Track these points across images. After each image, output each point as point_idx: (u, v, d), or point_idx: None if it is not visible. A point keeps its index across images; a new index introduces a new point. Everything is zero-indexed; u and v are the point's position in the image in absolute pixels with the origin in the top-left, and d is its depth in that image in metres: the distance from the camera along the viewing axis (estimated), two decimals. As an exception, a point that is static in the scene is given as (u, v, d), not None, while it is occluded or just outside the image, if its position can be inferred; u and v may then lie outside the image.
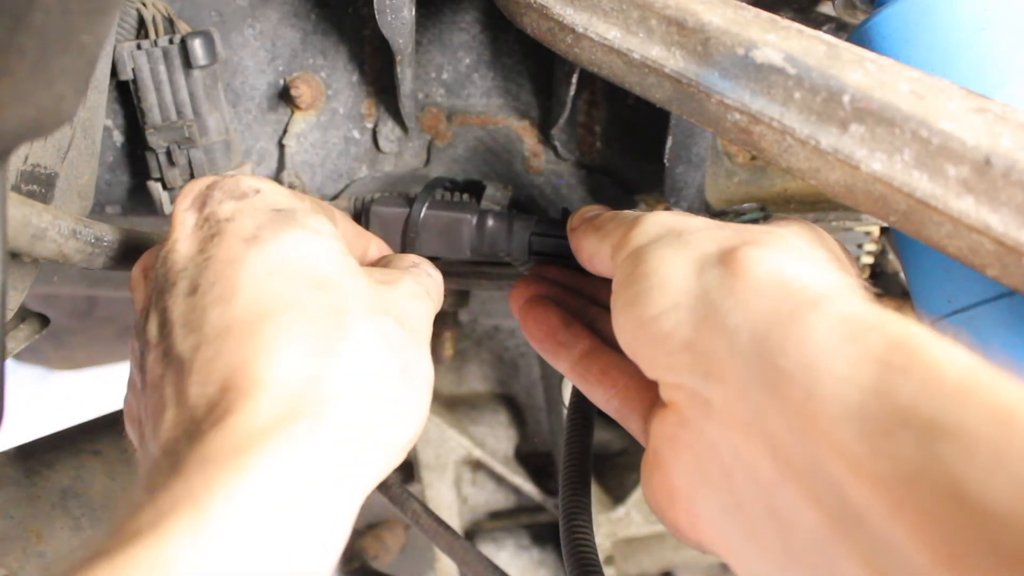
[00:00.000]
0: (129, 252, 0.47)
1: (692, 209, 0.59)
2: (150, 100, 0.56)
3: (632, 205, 0.65)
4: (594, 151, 0.65)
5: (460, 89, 0.64)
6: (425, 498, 0.94)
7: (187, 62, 0.56)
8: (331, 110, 0.63)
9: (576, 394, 0.51)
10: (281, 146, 0.63)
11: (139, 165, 0.62)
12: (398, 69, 0.56)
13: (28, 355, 1.74)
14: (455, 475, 0.97)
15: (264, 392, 0.30)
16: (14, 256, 0.45)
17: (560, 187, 0.65)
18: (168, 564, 0.25)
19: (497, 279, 0.64)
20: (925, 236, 0.35)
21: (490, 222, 0.55)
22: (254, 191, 0.38)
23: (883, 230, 0.64)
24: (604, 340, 0.47)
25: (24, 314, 0.54)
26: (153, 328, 0.35)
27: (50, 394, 1.86)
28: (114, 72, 0.56)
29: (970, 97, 0.34)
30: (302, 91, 0.61)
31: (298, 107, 0.62)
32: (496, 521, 1.00)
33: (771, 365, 0.30)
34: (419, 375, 0.37)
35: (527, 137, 0.65)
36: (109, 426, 0.62)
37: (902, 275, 0.69)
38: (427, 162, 0.65)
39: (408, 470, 0.97)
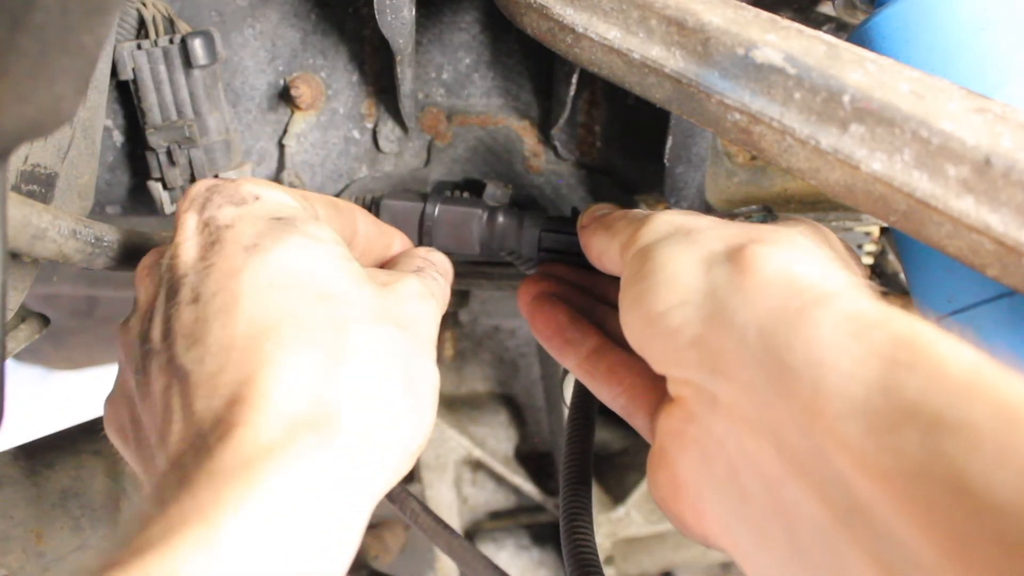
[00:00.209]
0: (129, 252, 0.47)
1: (692, 209, 0.58)
2: (150, 100, 0.56)
3: (632, 205, 0.65)
4: (594, 151, 0.65)
5: (460, 89, 0.64)
6: (425, 498, 0.94)
7: (187, 62, 0.56)
8: (331, 110, 0.63)
9: (578, 393, 0.51)
10: (281, 146, 0.63)
11: (139, 165, 0.62)
12: (398, 69, 0.56)
13: (28, 355, 1.74)
14: (455, 475, 0.97)
15: (269, 408, 0.30)
16: (14, 256, 0.45)
17: (560, 187, 0.65)
18: (180, 566, 0.25)
19: (497, 279, 0.64)
20: (925, 236, 0.35)
21: (500, 218, 0.55)
22: (253, 197, 0.38)
23: (883, 230, 0.64)
24: (611, 338, 0.47)
25: (24, 314, 0.54)
26: (157, 333, 0.35)
27: (50, 394, 1.86)
28: (114, 72, 0.56)
29: (970, 97, 0.34)
30: (302, 91, 0.61)
31: (298, 107, 0.62)
32: (496, 521, 1.00)
33: (778, 361, 0.30)
34: (424, 382, 0.37)
35: (527, 137, 0.65)
36: (109, 426, 0.62)
37: (902, 275, 0.69)
38: (427, 162, 0.65)
39: (400, 486, 0.97)
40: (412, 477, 0.96)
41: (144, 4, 0.56)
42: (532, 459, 0.99)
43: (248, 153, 0.63)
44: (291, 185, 0.63)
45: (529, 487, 0.96)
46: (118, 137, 0.61)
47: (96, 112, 0.54)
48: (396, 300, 0.38)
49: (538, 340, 0.50)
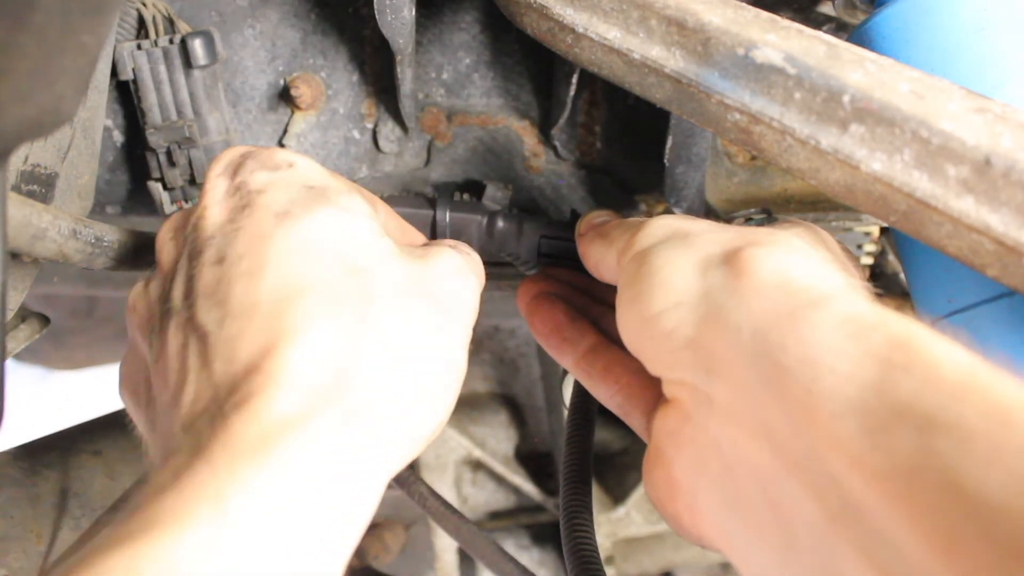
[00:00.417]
0: (129, 252, 0.47)
1: (692, 209, 0.59)
2: (150, 100, 0.56)
3: (632, 205, 0.65)
4: (594, 151, 0.65)
5: (460, 89, 0.64)
6: (425, 498, 0.94)
7: (187, 62, 0.56)
8: (331, 110, 0.63)
9: (577, 394, 0.51)
10: (281, 146, 0.63)
11: (139, 165, 0.62)
12: (398, 69, 0.56)
13: (28, 355, 1.74)
14: (455, 475, 0.97)
15: (289, 380, 0.30)
16: (14, 256, 0.45)
17: (560, 187, 0.65)
18: (190, 550, 0.25)
19: (497, 279, 0.64)
20: (925, 236, 0.35)
21: (500, 223, 0.55)
22: (287, 164, 0.38)
23: (883, 230, 0.64)
24: (609, 338, 0.47)
25: (24, 314, 0.54)
26: (178, 294, 0.35)
27: (50, 394, 1.86)
28: (114, 72, 0.56)
29: (970, 97, 0.34)
30: (302, 91, 0.61)
31: (298, 107, 0.62)
32: (496, 521, 1.00)
33: (773, 362, 0.30)
34: (449, 362, 0.36)
35: (527, 137, 0.65)
36: (109, 426, 0.62)
37: (902, 275, 0.69)
38: (427, 162, 0.65)
39: (408, 470, 0.97)
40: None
41: (144, 4, 0.56)
42: (532, 459, 0.99)
43: (248, 153, 0.63)
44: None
45: (529, 487, 0.96)
46: (118, 137, 0.61)
47: (96, 112, 0.54)
48: (431, 276, 0.37)
49: (536, 338, 0.50)
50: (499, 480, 0.98)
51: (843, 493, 0.28)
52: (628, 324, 0.38)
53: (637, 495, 0.92)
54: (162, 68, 0.56)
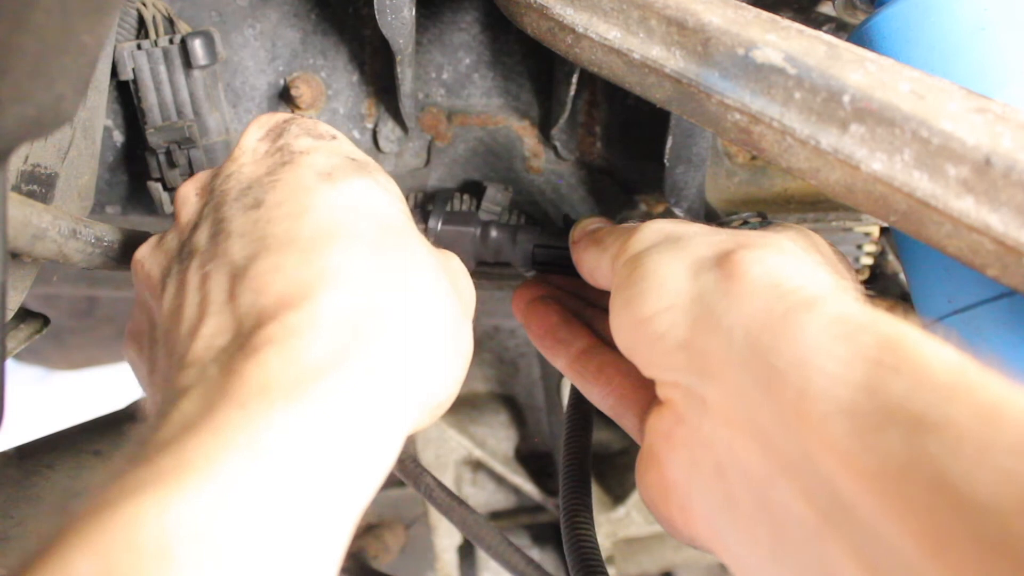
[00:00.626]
0: (129, 252, 0.47)
1: (693, 209, 0.59)
2: (150, 100, 0.56)
3: (632, 205, 0.65)
4: (594, 151, 0.65)
5: (460, 89, 0.64)
6: (425, 498, 0.94)
7: (187, 62, 0.56)
8: (331, 110, 0.63)
9: (575, 393, 0.51)
10: (281, 146, 0.63)
11: (139, 165, 0.62)
12: (398, 69, 0.56)
13: (28, 355, 1.74)
14: (455, 475, 0.97)
15: (327, 322, 0.29)
16: (14, 256, 0.45)
17: (560, 187, 0.65)
18: (222, 495, 0.24)
19: (497, 279, 0.64)
20: (925, 236, 0.35)
21: (493, 233, 0.55)
22: (331, 136, 0.39)
23: (883, 231, 0.64)
24: (603, 340, 0.48)
25: (24, 314, 0.54)
26: (203, 237, 0.34)
27: (50, 394, 1.86)
28: (114, 72, 0.56)
29: (970, 97, 0.34)
30: (302, 91, 0.61)
31: (298, 107, 0.62)
32: (496, 521, 1.00)
33: (765, 364, 0.30)
34: (464, 343, 0.37)
35: (527, 137, 0.65)
36: (109, 426, 0.62)
37: (902, 276, 0.69)
38: (427, 162, 0.65)
39: (414, 463, 0.97)
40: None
41: (144, 4, 0.56)
42: (532, 459, 0.99)
43: (248, 153, 0.63)
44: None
45: (529, 487, 0.96)
46: (118, 137, 0.61)
47: (96, 112, 0.54)
48: (450, 266, 0.39)
49: (531, 339, 0.50)
50: (499, 480, 0.98)
51: (834, 493, 0.28)
52: (621, 327, 0.38)
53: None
54: (162, 68, 0.56)
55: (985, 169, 0.32)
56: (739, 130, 0.39)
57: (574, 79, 0.56)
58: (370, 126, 0.64)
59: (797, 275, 0.33)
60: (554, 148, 0.64)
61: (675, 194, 0.58)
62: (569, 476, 0.48)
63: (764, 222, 0.47)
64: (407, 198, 0.62)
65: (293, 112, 0.62)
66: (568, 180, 0.65)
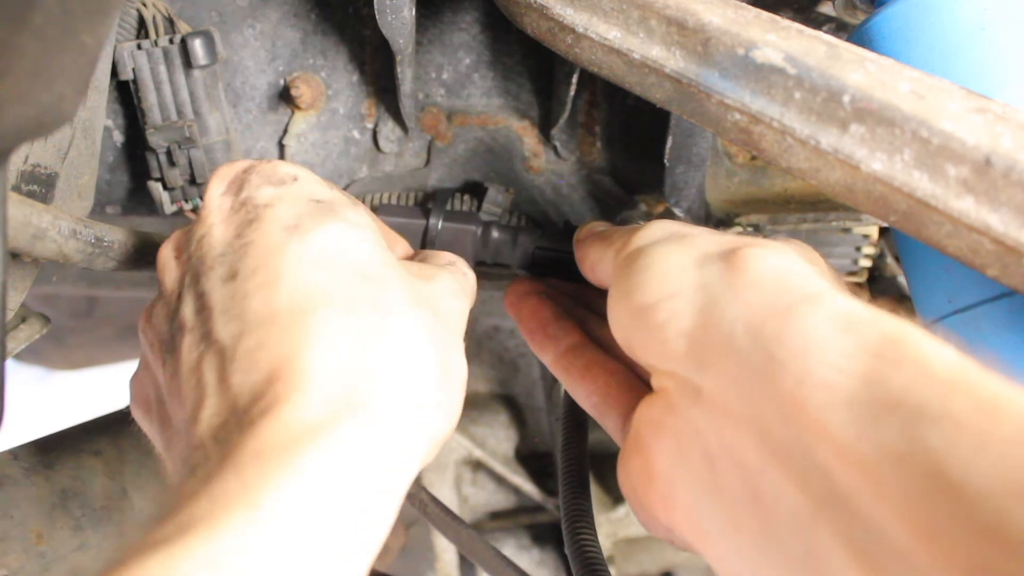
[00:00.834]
0: (129, 252, 0.47)
1: (693, 209, 0.59)
2: (150, 100, 0.56)
3: (632, 205, 0.65)
4: (594, 151, 0.65)
5: (460, 89, 0.64)
6: (425, 498, 0.94)
7: (187, 62, 0.56)
8: (331, 110, 0.63)
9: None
10: (281, 146, 0.63)
11: (139, 165, 0.62)
12: (398, 69, 0.56)
13: (28, 355, 1.74)
14: (455, 475, 0.97)
15: (313, 386, 0.30)
16: (14, 256, 0.45)
17: (560, 187, 0.65)
18: (224, 553, 0.25)
19: (497, 279, 0.64)
20: (925, 236, 0.35)
21: (494, 233, 0.55)
22: (292, 178, 0.38)
23: (882, 233, 0.64)
24: (592, 340, 0.48)
25: (24, 314, 0.54)
26: (188, 311, 0.35)
27: (50, 394, 1.86)
28: (114, 72, 0.56)
29: (970, 97, 0.34)
30: (302, 91, 0.61)
31: (298, 107, 0.62)
32: (496, 521, 1.00)
33: (765, 354, 0.31)
34: (456, 372, 0.37)
35: (527, 137, 0.65)
36: (109, 426, 0.62)
37: (900, 278, 0.69)
38: (427, 162, 0.65)
39: None
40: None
41: (144, 4, 0.56)
42: (532, 459, 0.99)
43: (248, 153, 0.63)
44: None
45: (529, 487, 0.96)
46: (118, 137, 0.61)
47: (96, 112, 0.54)
48: (431, 290, 0.38)
49: (522, 333, 0.50)
50: (499, 480, 0.98)
51: (829, 482, 0.28)
52: (620, 315, 0.38)
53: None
54: (162, 68, 0.56)
55: (985, 169, 0.32)
56: (739, 130, 0.39)
57: (574, 79, 0.56)
58: (370, 126, 0.64)
59: (801, 273, 0.33)
60: (554, 148, 0.64)
61: (675, 194, 0.58)
62: (568, 476, 0.48)
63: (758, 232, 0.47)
64: (408, 198, 0.62)
65: (293, 113, 0.62)
66: (568, 180, 0.65)
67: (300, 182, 0.38)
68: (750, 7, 0.39)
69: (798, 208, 0.60)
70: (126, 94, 0.59)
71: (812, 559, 0.29)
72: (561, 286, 0.53)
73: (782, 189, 0.62)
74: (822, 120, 0.36)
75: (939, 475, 0.25)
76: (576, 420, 0.52)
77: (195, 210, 0.60)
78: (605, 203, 0.66)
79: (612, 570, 0.92)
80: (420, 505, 0.53)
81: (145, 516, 0.29)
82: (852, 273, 0.65)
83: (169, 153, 0.57)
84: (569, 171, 0.65)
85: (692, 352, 0.34)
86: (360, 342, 0.32)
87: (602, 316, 0.42)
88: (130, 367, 0.42)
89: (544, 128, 0.64)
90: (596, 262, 0.44)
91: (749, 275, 0.34)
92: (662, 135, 0.56)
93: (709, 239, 0.38)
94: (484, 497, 1.00)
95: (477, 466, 0.98)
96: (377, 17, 0.50)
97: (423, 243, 0.56)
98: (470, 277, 0.44)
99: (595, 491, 0.92)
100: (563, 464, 0.49)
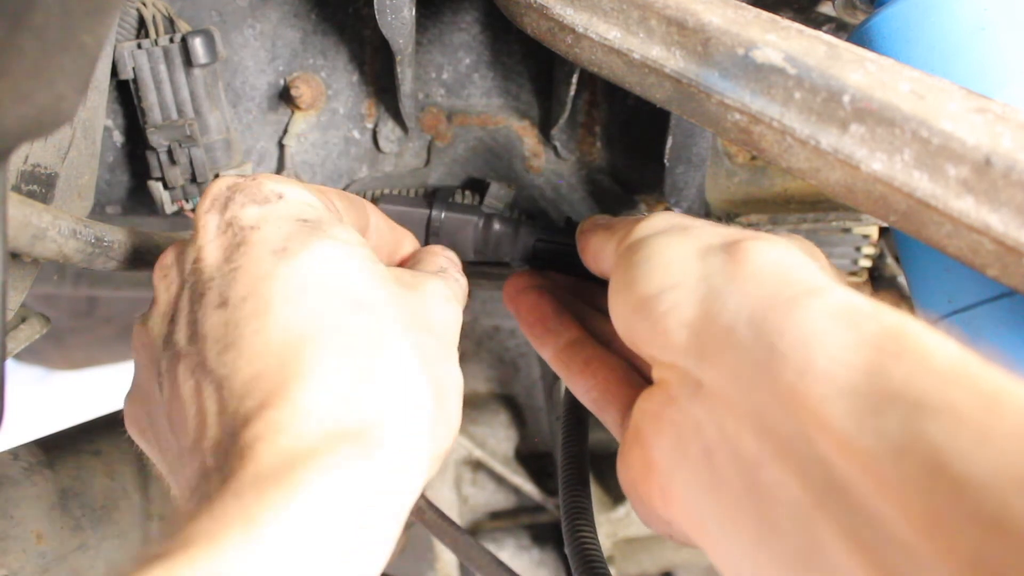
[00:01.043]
0: (130, 253, 0.47)
1: (692, 210, 0.59)
2: (151, 99, 0.56)
3: (632, 205, 0.66)
4: (594, 151, 0.65)
5: (460, 89, 0.64)
6: (425, 498, 0.94)
7: (188, 61, 0.56)
8: (331, 110, 0.63)
9: (570, 392, 0.51)
10: (281, 146, 0.63)
11: (139, 165, 0.62)
12: (398, 69, 0.56)
13: (28, 355, 1.74)
14: (455, 475, 0.97)
15: (308, 416, 0.30)
16: (14, 256, 0.45)
17: (560, 187, 0.65)
18: (223, 568, 0.25)
19: (497, 279, 0.64)
20: (925, 236, 0.35)
21: (496, 226, 0.55)
22: (276, 196, 0.38)
23: (882, 233, 0.64)
24: (592, 335, 0.48)
25: (24, 314, 0.54)
26: (182, 336, 0.35)
27: (50, 394, 1.86)
28: (114, 72, 0.56)
29: (970, 97, 0.34)
30: (302, 91, 0.61)
31: (298, 107, 0.62)
32: (496, 521, 1.00)
33: (767, 345, 0.31)
34: (452, 387, 0.37)
35: (527, 137, 0.65)
36: (109, 426, 0.62)
37: (900, 279, 0.69)
38: (427, 162, 0.65)
39: None
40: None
41: (144, 4, 0.56)
42: (532, 459, 0.99)
43: (248, 153, 0.63)
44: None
45: (529, 487, 0.96)
46: (118, 137, 0.61)
47: (96, 112, 0.54)
48: (423, 304, 0.38)
49: (521, 328, 0.50)
50: (499, 480, 0.98)
51: (830, 475, 0.28)
52: (621, 306, 0.38)
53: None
54: (162, 67, 0.56)
55: (985, 169, 0.32)
56: (739, 130, 0.39)
57: (574, 79, 0.56)
58: (370, 126, 0.64)
59: (803, 267, 0.34)
60: (554, 148, 0.64)
61: (675, 194, 0.58)
62: (568, 476, 0.48)
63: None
64: (410, 192, 0.62)
65: (293, 113, 0.62)
66: (568, 180, 0.65)
67: (285, 200, 0.38)
68: (750, 7, 0.39)
69: (798, 208, 0.60)
70: (126, 94, 0.59)
71: (812, 552, 0.29)
72: (560, 280, 0.53)
73: (782, 189, 0.62)
74: (822, 120, 0.36)
75: (940, 468, 0.25)
76: (577, 417, 0.52)
77: (195, 209, 0.60)
78: (605, 203, 0.66)
79: (612, 570, 0.92)
80: (417, 511, 0.53)
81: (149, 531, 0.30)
82: (852, 273, 0.65)
83: (170, 152, 0.57)
84: (569, 171, 0.65)
85: (693, 344, 0.34)
86: (354, 371, 0.32)
87: (601, 311, 0.42)
88: (130, 367, 0.42)
89: (544, 128, 0.64)
90: (598, 251, 0.45)
91: (750, 267, 0.34)
92: (662, 135, 0.56)
93: (711, 231, 0.38)
94: (484, 497, 1.00)
95: (477, 466, 0.98)
96: (377, 17, 0.50)
97: (426, 233, 0.56)
98: (462, 283, 0.44)
99: (595, 491, 0.92)
100: (563, 462, 0.49)
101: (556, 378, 0.88)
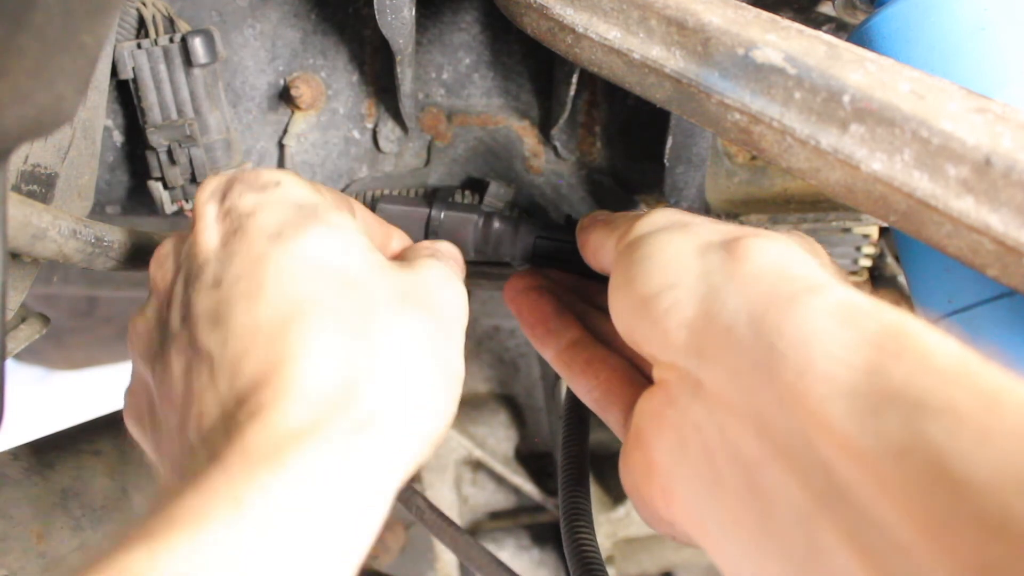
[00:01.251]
0: (129, 252, 0.47)
1: (692, 210, 0.59)
2: (150, 99, 0.56)
3: (632, 205, 0.66)
4: (594, 151, 0.65)
5: (460, 89, 0.64)
6: (425, 498, 0.94)
7: (187, 61, 0.56)
8: (331, 110, 0.63)
9: (572, 392, 0.51)
10: (281, 146, 0.63)
11: (139, 165, 0.62)
12: (398, 69, 0.56)
13: (28, 355, 1.74)
14: (455, 475, 0.97)
15: (297, 392, 0.30)
16: (14, 256, 0.45)
17: (560, 187, 0.65)
18: (207, 547, 0.25)
19: (497, 279, 0.64)
20: (925, 236, 0.35)
21: (496, 224, 0.55)
22: (274, 183, 0.38)
23: (882, 233, 0.64)
24: (593, 334, 0.48)
25: (24, 314, 0.54)
26: (176, 317, 0.35)
27: (50, 394, 1.86)
28: (114, 72, 0.56)
29: (970, 97, 0.34)
30: (302, 91, 0.61)
31: (298, 107, 0.62)
32: (496, 521, 1.00)
33: (766, 345, 0.31)
34: (448, 371, 0.36)
35: (527, 137, 0.65)
36: (109, 426, 0.62)
37: (900, 279, 0.69)
38: (427, 162, 0.65)
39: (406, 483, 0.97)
40: (413, 477, 0.96)
41: (144, 3, 0.56)
42: (532, 459, 0.99)
43: (248, 153, 0.63)
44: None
45: (529, 487, 0.96)
46: (118, 137, 0.61)
47: (96, 112, 0.54)
48: (421, 285, 0.38)
49: (522, 328, 0.50)
50: (499, 480, 0.98)
51: (830, 475, 0.28)
52: (622, 304, 0.38)
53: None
54: (162, 67, 0.56)
55: (985, 169, 0.32)
56: (739, 130, 0.39)
57: (574, 79, 0.56)
58: (370, 126, 0.64)
59: (803, 264, 0.33)
60: (554, 148, 0.64)
61: (675, 194, 0.58)
62: (568, 476, 0.48)
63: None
64: (409, 192, 0.62)
65: (293, 112, 0.62)
66: (568, 180, 0.65)
67: (282, 187, 0.38)
68: (750, 7, 0.39)
69: (798, 208, 0.60)
70: (126, 94, 0.59)
71: (813, 552, 0.29)
72: (561, 279, 0.52)
73: (782, 189, 0.62)
74: (822, 120, 0.36)
75: (941, 468, 0.24)
76: (578, 417, 0.51)
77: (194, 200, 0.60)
78: (605, 203, 0.66)
79: (612, 570, 0.92)
80: (417, 511, 0.53)
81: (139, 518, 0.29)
82: (852, 272, 0.65)
83: (170, 152, 0.57)
84: (569, 171, 0.65)
85: (692, 343, 0.34)
86: (345, 348, 0.32)
87: (603, 309, 0.42)
88: (130, 367, 0.42)
89: (544, 128, 0.64)
90: (598, 247, 0.44)
91: (750, 265, 0.34)
92: (662, 135, 0.56)
93: (711, 228, 0.38)
94: (484, 497, 1.00)
95: (477, 466, 0.98)
96: (377, 17, 0.50)
97: (426, 232, 0.56)
98: (456, 256, 0.44)
99: (595, 491, 0.92)
100: (563, 462, 0.49)
101: (558, 378, 0.88)
